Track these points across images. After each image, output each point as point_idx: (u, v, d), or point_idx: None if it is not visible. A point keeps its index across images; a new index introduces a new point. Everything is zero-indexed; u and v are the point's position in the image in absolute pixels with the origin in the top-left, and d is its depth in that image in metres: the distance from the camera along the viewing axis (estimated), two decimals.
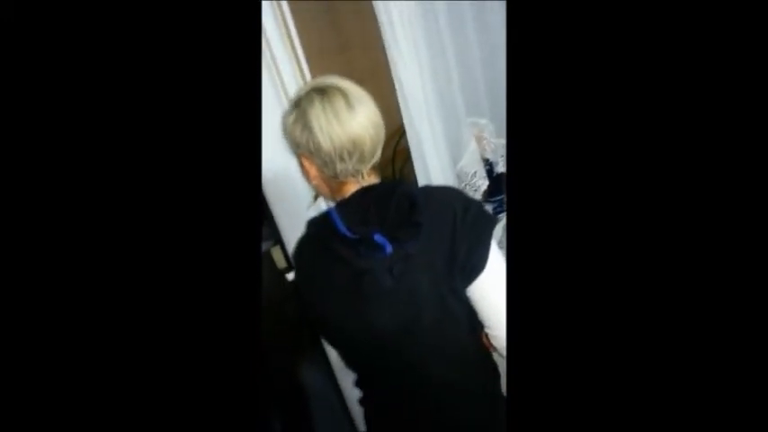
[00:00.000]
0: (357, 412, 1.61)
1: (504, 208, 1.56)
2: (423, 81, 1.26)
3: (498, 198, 1.56)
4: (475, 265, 0.72)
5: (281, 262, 1.34)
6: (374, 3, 1.11)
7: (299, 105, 0.73)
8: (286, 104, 1.17)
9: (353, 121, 0.70)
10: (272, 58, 1.01)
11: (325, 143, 0.70)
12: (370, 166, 0.75)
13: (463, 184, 1.49)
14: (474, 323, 0.77)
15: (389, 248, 0.71)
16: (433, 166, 1.43)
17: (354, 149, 0.71)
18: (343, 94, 0.71)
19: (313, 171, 0.76)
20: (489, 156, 1.51)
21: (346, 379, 1.32)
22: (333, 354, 1.50)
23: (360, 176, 0.75)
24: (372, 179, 0.78)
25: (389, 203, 0.72)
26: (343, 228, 0.71)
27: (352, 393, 1.60)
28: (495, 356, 0.86)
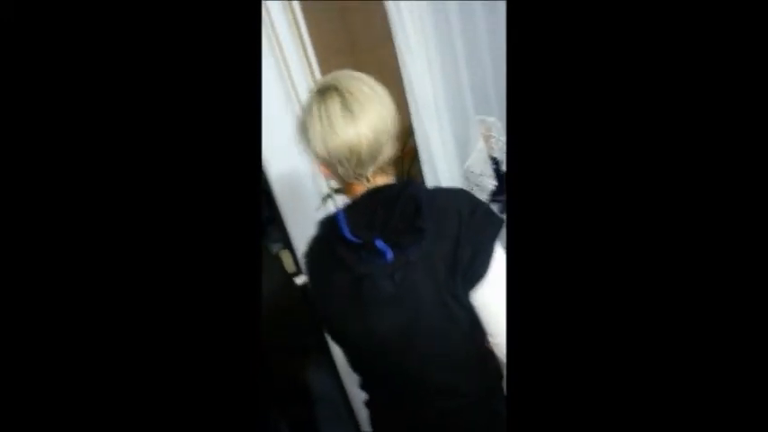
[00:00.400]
0: (362, 415, 1.61)
1: None
2: (432, 80, 1.24)
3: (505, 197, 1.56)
4: (476, 271, 0.70)
5: (290, 266, 1.32)
6: (385, 3, 1.09)
7: (304, 108, 0.73)
8: (296, 105, 1.15)
9: (348, 127, 0.68)
10: (284, 59, 0.98)
11: (321, 149, 0.70)
12: (373, 168, 0.73)
13: (471, 184, 1.48)
14: (477, 329, 0.76)
15: (390, 255, 0.70)
16: (442, 165, 1.42)
17: (351, 155, 0.70)
18: (342, 97, 0.69)
19: (323, 170, 0.76)
20: (497, 154, 1.50)
21: (352, 382, 1.31)
22: (339, 357, 1.49)
23: (364, 179, 0.74)
24: (382, 180, 0.76)
25: (395, 207, 0.71)
26: (346, 231, 0.71)
27: (358, 396, 1.60)
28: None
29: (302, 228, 1.26)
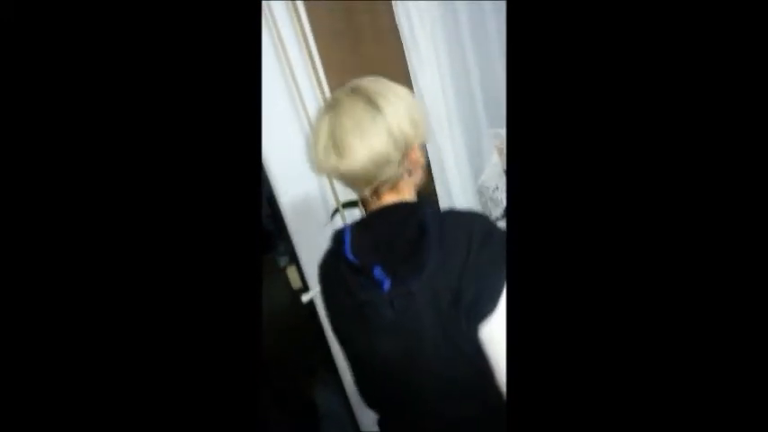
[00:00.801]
0: None
1: None
2: (444, 91, 1.20)
3: None
4: (481, 310, 0.66)
5: (296, 282, 1.28)
6: (393, 2, 1.05)
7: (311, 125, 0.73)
8: (301, 112, 1.12)
9: (343, 157, 0.67)
10: (290, 67, 0.95)
11: (320, 170, 0.71)
12: (375, 186, 0.71)
13: (485, 198, 1.43)
14: (482, 355, 0.72)
15: (388, 285, 0.68)
16: (454, 178, 1.38)
17: (347, 180, 0.70)
18: (339, 121, 0.67)
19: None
20: None
21: (359, 400, 1.27)
22: (346, 376, 1.45)
23: (371, 197, 0.72)
24: (393, 197, 0.73)
25: (401, 230, 0.69)
26: (348, 251, 0.71)
27: (365, 415, 1.56)
28: None
29: (309, 243, 1.23)
